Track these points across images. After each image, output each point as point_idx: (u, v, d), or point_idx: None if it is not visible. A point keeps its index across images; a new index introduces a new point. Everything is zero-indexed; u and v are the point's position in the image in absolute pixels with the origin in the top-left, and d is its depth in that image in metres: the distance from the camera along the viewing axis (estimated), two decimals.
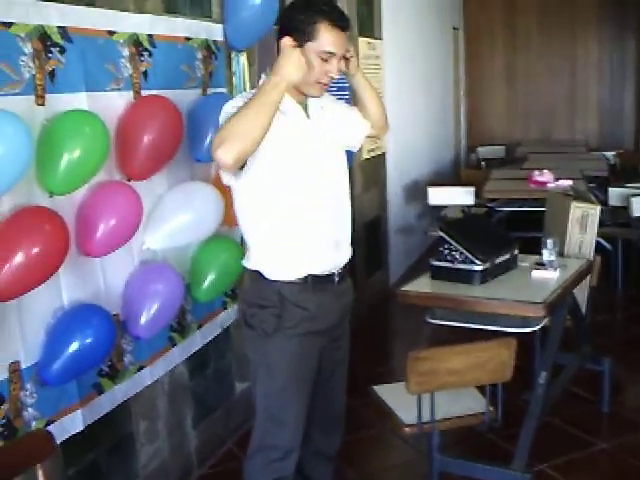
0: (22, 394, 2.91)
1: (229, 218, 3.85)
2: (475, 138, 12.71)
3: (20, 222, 2.75)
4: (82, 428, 3.21)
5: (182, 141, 3.58)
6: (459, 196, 8.14)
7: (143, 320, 3.44)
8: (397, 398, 3.75)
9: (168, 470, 4.04)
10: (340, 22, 2.89)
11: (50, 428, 2.94)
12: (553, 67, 12.27)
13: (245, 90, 4.41)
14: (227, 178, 2.91)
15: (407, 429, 3.59)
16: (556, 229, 4.90)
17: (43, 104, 2.94)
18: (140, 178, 3.40)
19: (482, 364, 3.43)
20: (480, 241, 4.15)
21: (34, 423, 2.96)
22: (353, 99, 3.41)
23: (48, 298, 3.02)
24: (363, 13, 7.03)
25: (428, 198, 8.31)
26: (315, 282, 3.02)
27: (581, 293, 4.69)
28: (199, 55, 4.00)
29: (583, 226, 4.79)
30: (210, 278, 3.90)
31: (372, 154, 7.38)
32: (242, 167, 2.79)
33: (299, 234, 2.99)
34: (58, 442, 2.94)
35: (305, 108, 3.04)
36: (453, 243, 4.06)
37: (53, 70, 2.99)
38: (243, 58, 4.43)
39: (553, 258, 4.22)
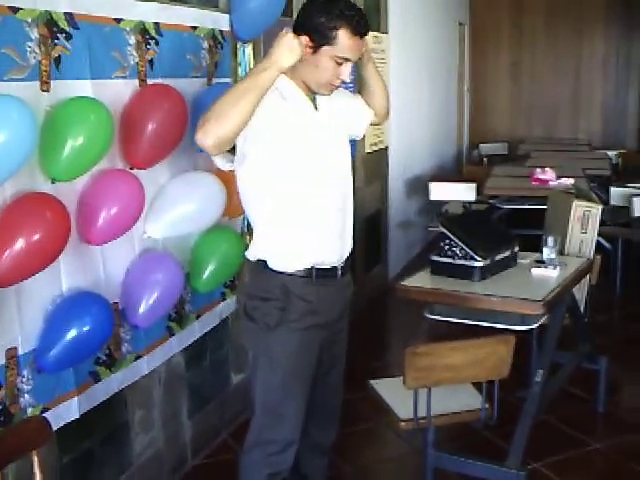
0: (19, 380, 2.91)
1: (231, 209, 3.85)
2: (478, 134, 12.70)
3: (22, 208, 2.74)
4: (78, 416, 3.21)
5: (186, 130, 3.57)
6: (460, 192, 8.15)
7: (142, 309, 3.43)
8: (394, 393, 3.76)
9: (163, 460, 4.04)
10: (360, 29, 2.86)
11: (46, 415, 2.93)
12: (558, 65, 12.26)
13: None
14: (220, 163, 2.92)
15: (403, 424, 3.59)
16: (557, 227, 4.90)
17: (48, 90, 2.93)
18: (143, 167, 3.39)
19: (480, 361, 3.44)
20: (481, 237, 4.15)
21: (30, 410, 2.96)
22: (359, 86, 3.45)
23: (47, 285, 3.01)
24: (369, 6, 7.01)
25: (429, 193, 8.31)
26: (319, 275, 3.02)
27: (580, 292, 4.70)
28: (205, 45, 3.99)
29: (584, 225, 4.80)
30: (210, 269, 3.89)
31: (375, 148, 7.37)
32: (232, 151, 2.81)
33: (305, 222, 2.98)
34: (54, 429, 2.93)
35: (313, 100, 3.02)
36: (454, 239, 4.06)
37: (59, 56, 2.97)
38: (249, 49, 4.42)
39: (553, 256, 4.23)
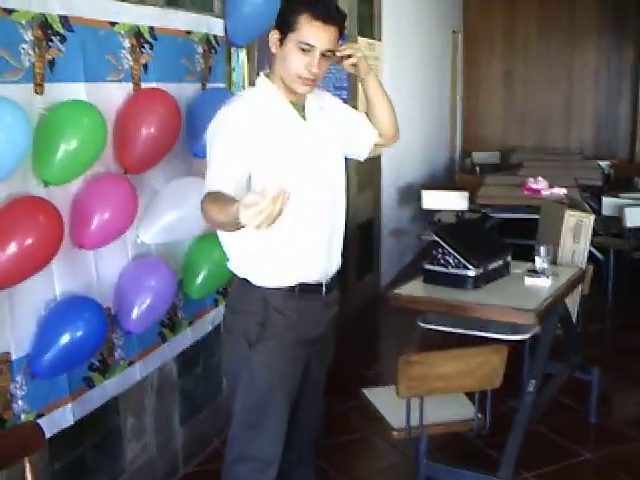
0: (12, 386, 2.89)
1: None
2: (470, 143, 12.72)
3: (14, 212, 2.72)
4: (72, 422, 3.19)
5: (180, 135, 3.56)
6: (453, 200, 8.15)
7: (135, 315, 3.41)
8: (386, 402, 3.74)
9: (155, 467, 4.02)
10: (323, 14, 2.72)
11: (40, 421, 2.90)
12: (551, 75, 12.29)
13: (244, 87, 4.39)
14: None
15: (395, 433, 3.58)
16: (550, 237, 4.89)
17: (41, 93, 2.91)
18: (137, 171, 3.38)
19: (472, 370, 3.43)
20: (474, 246, 4.15)
21: (23, 416, 2.93)
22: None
23: (40, 289, 2.99)
24: (363, 13, 7.02)
25: (422, 201, 8.30)
26: (302, 291, 2.92)
27: (572, 302, 4.69)
28: (199, 49, 3.98)
29: (577, 235, 4.79)
30: (203, 275, 3.87)
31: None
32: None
33: (291, 240, 2.87)
34: (48, 436, 2.91)
35: (302, 109, 2.93)
36: (447, 247, 4.05)
37: (53, 59, 2.96)
38: (243, 54, 4.41)
39: (546, 266, 4.22)
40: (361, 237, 7.31)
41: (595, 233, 5.43)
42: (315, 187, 2.91)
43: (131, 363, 3.59)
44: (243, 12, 4.15)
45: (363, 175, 7.26)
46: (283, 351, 2.92)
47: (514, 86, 12.55)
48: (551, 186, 7.52)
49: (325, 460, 3.52)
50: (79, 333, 3.01)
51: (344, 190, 3.09)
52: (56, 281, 3.07)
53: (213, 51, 4.11)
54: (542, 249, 4.26)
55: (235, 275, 2.99)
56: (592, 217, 4.87)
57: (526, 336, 4.08)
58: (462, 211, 8.16)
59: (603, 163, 10.65)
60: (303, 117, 2.93)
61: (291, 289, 2.90)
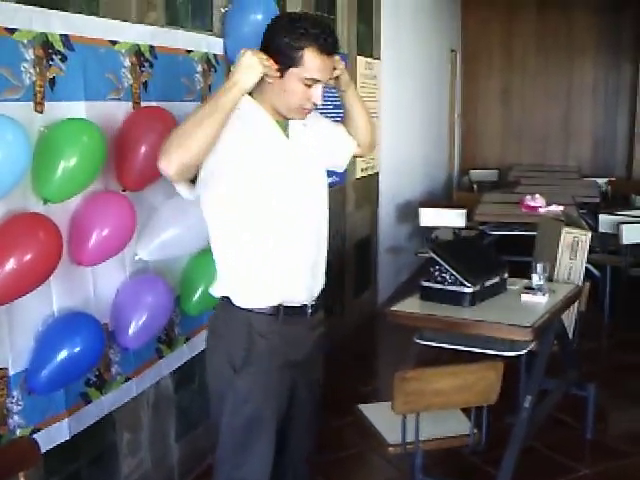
0: (8, 401, 2.90)
1: None
2: (468, 160, 12.77)
3: (14, 228, 2.75)
4: (68, 437, 3.20)
5: None
6: (451, 218, 8.18)
7: (132, 331, 3.43)
8: (382, 418, 3.76)
9: None
10: (328, 48, 2.70)
11: (36, 437, 2.92)
12: (549, 92, 12.35)
13: None
14: (183, 191, 2.72)
15: (391, 449, 3.59)
16: (546, 254, 4.92)
17: (42, 111, 2.94)
18: (135, 189, 3.41)
19: (469, 386, 3.44)
20: (471, 264, 4.16)
21: (19, 431, 2.95)
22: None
23: (38, 305, 3.01)
24: (362, 33, 7.07)
25: (420, 219, 8.33)
26: (287, 314, 2.85)
27: (569, 319, 4.71)
28: (199, 68, 4.02)
29: (573, 252, 4.81)
30: (200, 291, 3.88)
31: (365, 173, 7.40)
32: (193, 181, 2.65)
33: (274, 260, 2.80)
34: (44, 451, 2.92)
35: (285, 127, 2.87)
36: (444, 264, 4.07)
37: (54, 78, 2.99)
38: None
39: (542, 283, 4.24)
40: (358, 254, 7.34)
41: (592, 250, 5.45)
42: (300, 204, 2.87)
43: (128, 379, 3.61)
44: (242, 31, 4.19)
45: (361, 192, 7.29)
46: (268, 376, 2.86)
47: (512, 104, 12.61)
48: (548, 203, 7.55)
49: (321, 476, 3.53)
50: (76, 349, 3.03)
51: (327, 208, 3.03)
52: (54, 297, 3.09)
53: (213, 70, 4.15)
54: (539, 266, 4.28)
55: (218, 298, 2.93)
56: (589, 234, 4.89)
57: (522, 352, 4.09)
58: (460, 228, 8.19)
59: (600, 180, 10.70)
60: (287, 135, 2.87)
61: (275, 311, 2.83)
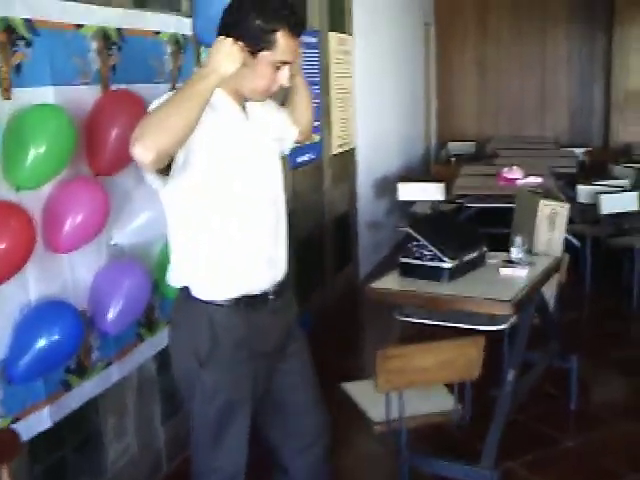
0: None
1: None
2: (446, 134, 12.76)
3: None
4: (50, 425, 3.18)
5: None
6: (429, 192, 8.18)
7: (111, 316, 3.41)
8: (366, 395, 3.76)
9: (138, 466, 4.02)
10: (299, 29, 2.64)
11: (16, 426, 2.90)
12: (524, 64, 12.34)
13: None
14: (151, 179, 2.59)
15: (376, 427, 3.59)
16: (525, 226, 4.92)
17: (9, 98, 2.90)
18: (108, 173, 3.37)
19: (450, 362, 3.44)
20: (449, 238, 4.16)
21: None
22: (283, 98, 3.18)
23: (15, 294, 2.98)
24: (334, 8, 7.02)
25: (398, 193, 8.33)
26: (248, 304, 2.78)
27: (549, 290, 4.71)
28: (168, 49, 3.97)
29: (552, 224, 4.82)
30: None
31: (341, 149, 7.38)
32: (167, 171, 2.50)
33: (232, 245, 2.72)
34: (25, 440, 2.90)
35: (243, 109, 2.79)
36: (422, 240, 4.06)
37: (19, 63, 2.94)
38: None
39: (521, 256, 4.25)
40: (338, 230, 7.33)
41: (571, 221, 5.46)
42: (261, 187, 2.81)
43: (109, 364, 3.59)
44: (211, 11, 4.12)
45: (338, 169, 7.28)
46: (235, 368, 2.80)
47: (487, 76, 12.59)
48: (526, 175, 7.56)
49: None
50: (55, 337, 3.00)
51: (284, 193, 2.96)
52: (31, 285, 3.07)
53: (182, 51, 4.10)
54: (517, 239, 4.29)
55: (177, 289, 2.85)
56: (567, 206, 4.90)
57: (504, 326, 4.10)
58: (439, 202, 8.19)
59: (578, 151, 10.72)
60: (245, 117, 2.80)
61: (236, 303, 2.76)
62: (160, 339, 4.02)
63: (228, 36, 2.50)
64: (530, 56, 12.29)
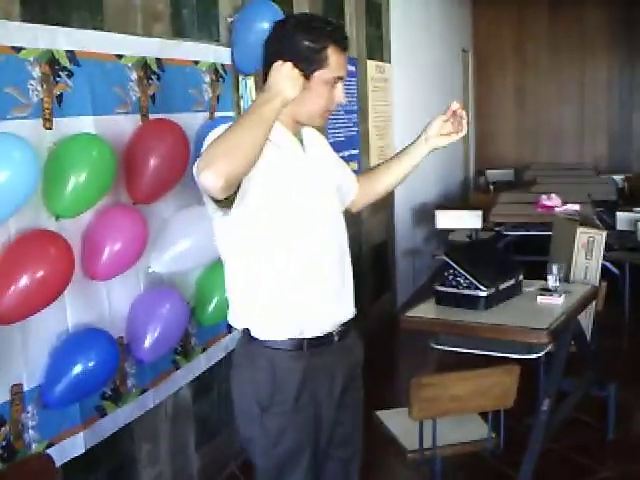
0: (23, 416, 2.91)
1: None
2: (484, 161, 12.74)
3: (26, 245, 2.76)
4: (83, 451, 3.20)
5: (188, 165, 3.58)
6: (467, 220, 8.17)
7: (147, 344, 3.44)
8: (400, 423, 3.75)
9: None
10: (345, 43, 2.60)
11: (50, 451, 2.93)
12: (562, 90, 12.33)
13: None
14: (213, 209, 2.54)
15: (409, 455, 3.58)
16: (562, 254, 4.90)
17: (51, 128, 2.95)
18: (146, 201, 3.41)
19: (485, 391, 3.44)
20: (485, 267, 4.16)
21: (34, 445, 2.95)
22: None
23: (53, 321, 3.02)
24: (372, 36, 7.06)
25: (436, 221, 8.33)
26: (311, 345, 2.65)
27: (586, 319, 4.69)
28: (207, 79, 4.02)
29: (589, 251, 4.79)
30: (215, 302, 3.89)
31: None
32: (232, 200, 2.42)
33: (295, 285, 2.61)
34: (58, 465, 2.93)
35: (300, 139, 2.72)
36: (458, 268, 4.06)
37: (61, 94, 3.00)
38: (250, 82, 4.44)
39: (558, 284, 4.23)
40: (375, 258, 7.33)
41: (610, 248, 5.43)
42: (322, 222, 2.71)
43: (144, 391, 3.61)
44: (249, 40, 4.19)
45: None
46: (297, 414, 2.67)
47: (526, 102, 12.58)
48: (564, 203, 7.52)
49: None
50: (91, 364, 3.03)
51: (345, 225, 2.85)
52: (68, 312, 3.10)
53: (221, 80, 4.15)
54: (554, 267, 4.27)
55: (239, 330, 2.76)
56: (604, 233, 4.87)
57: (539, 355, 4.08)
58: (476, 230, 8.18)
59: (617, 177, 10.66)
60: (302, 148, 2.73)
61: (298, 346, 2.64)
62: (196, 366, 4.05)
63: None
64: (569, 83, 12.28)
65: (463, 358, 4.36)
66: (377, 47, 7.26)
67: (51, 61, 2.95)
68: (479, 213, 8.04)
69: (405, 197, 8.33)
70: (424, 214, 9.00)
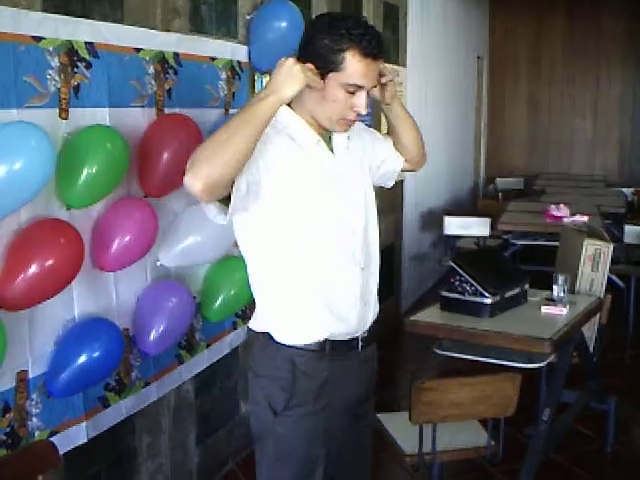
0: (27, 403, 2.93)
1: None
2: (494, 168, 12.72)
3: (37, 233, 2.79)
4: (85, 440, 3.23)
5: None
6: (475, 227, 8.17)
7: (152, 336, 3.46)
8: (400, 427, 3.76)
9: None
10: (372, 50, 2.39)
11: (53, 439, 2.94)
12: (576, 101, 12.29)
13: None
14: (212, 213, 2.38)
15: (408, 459, 3.59)
16: (568, 265, 4.90)
17: (66, 118, 2.98)
18: (158, 195, 3.43)
19: (485, 398, 3.44)
20: (491, 274, 4.16)
21: (37, 433, 2.98)
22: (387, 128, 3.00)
23: (60, 309, 3.04)
24: (388, 39, 7.07)
25: (444, 227, 8.33)
26: (334, 348, 2.58)
27: (590, 331, 4.69)
28: (223, 75, 4.04)
29: (595, 263, 4.79)
30: (221, 298, 3.91)
31: None
32: (227, 202, 2.27)
33: (321, 288, 2.54)
34: (61, 453, 2.95)
35: (328, 140, 2.59)
36: (464, 275, 4.07)
37: (78, 84, 3.02)
38: (266, 80, 4.45)
39: (563, 294, 4.23)
40: (382, 262, 7.30)
41: (617, 261, 5.42)
42: (349, 226, 2.62)
43: (147, 384, 3.63)
44: (266, 38, 4.21)
45: (385, 200, 7.28)
46: (311, 420, 2.59)
47: (539, 112, 12.55)
48: (573, 213, 7.52)
49: None
50: (96, 354, 3.06)
51: (377, 228, 2.79)
52: (75, 302, 3.13)
53: (237, 77, 4.17)
54: (560, 278, 4.27)
55: (257, 334, 2.64)
56: (611, 246, 4.86)
57: (541, 364, 4.09)
58: (484, 237, 8.18)
59: (627, 190, 10.64)
60: (331, 150, 2.60)
61: (321, 347, 2.56)
62: (200, 362, 4.06)
63: (302, 60, 2.38)
64: (582, 94, 12.24)
65: (466, 364, 4.38)
66: (393, 51, 7.27)
67: (70, 52, 2.97)
68: (487, 220, 8.04)
69: (414, 202, 8.34)
70: (432, 219, 9.00)
